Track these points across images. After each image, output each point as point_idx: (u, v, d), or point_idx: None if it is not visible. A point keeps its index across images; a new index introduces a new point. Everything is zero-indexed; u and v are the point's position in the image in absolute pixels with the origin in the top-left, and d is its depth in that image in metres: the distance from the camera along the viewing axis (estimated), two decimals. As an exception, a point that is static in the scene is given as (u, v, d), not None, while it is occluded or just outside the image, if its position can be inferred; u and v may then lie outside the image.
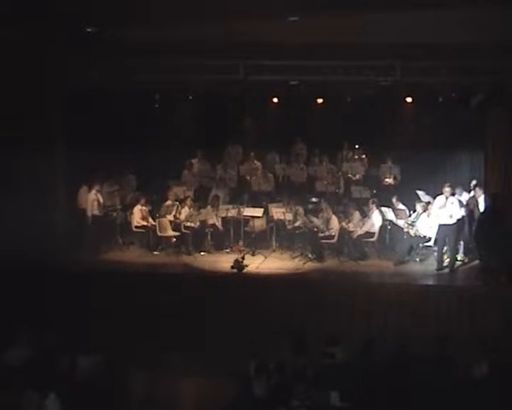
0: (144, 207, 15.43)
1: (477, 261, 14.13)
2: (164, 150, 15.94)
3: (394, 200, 15.15)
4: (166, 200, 15.54)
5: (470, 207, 14.70)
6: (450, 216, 13.84)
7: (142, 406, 10.10)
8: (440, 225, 14.04)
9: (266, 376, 8.77)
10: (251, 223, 15.41)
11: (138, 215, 15.36)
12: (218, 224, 15.45)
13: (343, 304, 12.71)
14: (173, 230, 15.23)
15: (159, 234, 15.24)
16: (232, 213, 15.29)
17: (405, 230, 14.51)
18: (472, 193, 15.02)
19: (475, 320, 12.10)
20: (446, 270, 14.06)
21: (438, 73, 13.75)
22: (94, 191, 15.58)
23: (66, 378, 9.04)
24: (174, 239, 15.27)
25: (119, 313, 12.50)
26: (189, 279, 13.76)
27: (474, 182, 15.12)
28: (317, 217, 15.07)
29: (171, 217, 15.29)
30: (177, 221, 15.25)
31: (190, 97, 15.65)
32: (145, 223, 15.38)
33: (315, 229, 14.83)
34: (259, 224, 15.54)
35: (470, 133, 14.93)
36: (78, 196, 15.60)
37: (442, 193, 14.03)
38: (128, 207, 15.83)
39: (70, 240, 15.32)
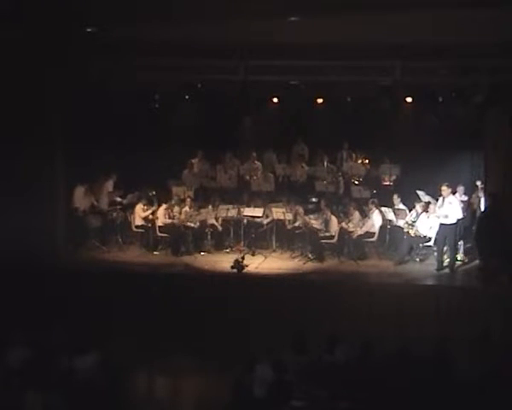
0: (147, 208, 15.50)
1: (477, 261, 14.13)
2: (164, 150, 15.93)
3: (394, 200, 15.15)
4: (166, 199, 15.58)
5: (471, 207, 14.70)
6: (446, 216, 13.85)
7: (142, 406, 10.11)
8: (440, 225, 14.06)
9: (266, 375, 8.78)
10: (251, 223, 15.41)
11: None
12: (218, 224, 15.46)
13: (343, 304, 12.71)
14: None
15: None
16: (232, 213, 15.29)
17: (405, 230, 14.50)
18: (473, 193, 15.04)
19: (475, 320, 12.09)
20: (446, 270, 14.07)
21: (438, 73, 13.75)
22: (90, 191, 15.63)
23: (66, 378, 9.05)
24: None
25: (119, 313, 12.51)
26: (188, 279, 13.77)
27: (479, 182, 15.10)
28: (317, 217, 15.07)
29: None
30: (177, 221, 15.26)
31: (190, 97, 15.63)
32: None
33: (314, 229, 14.84)
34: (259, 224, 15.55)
35: (470, 133, 14.92)
36: (73, 196, 15.58)
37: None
38: (128, 207, 15.84)
39: (70, 240, 15.33)
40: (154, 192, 15.67)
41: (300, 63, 13.98)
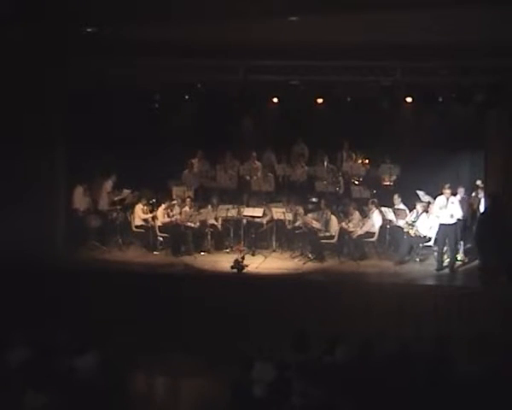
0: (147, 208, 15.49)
1: (477, 261, 14.13)
2: (164, 150, 15.93)
3: (395, 200, 15.15)
4: (166, 199, 15.59)
5: (472, 207, 14.69)
6: (451, 216, 13.88)
7: (142, 406, 10.11)
8: (441, 225, 14.06)
9: (265, 375, 8.78)
10: (251, 223, 15.40)
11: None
12: (218, 224, 15.47)
13: (343, 304, 12.71)
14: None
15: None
16: (232, 213, 15.29)
17: (405, 230, 14.51)
18: (474, 193, 15.04)
19: (475, 320, 12.09)
20: (446, 270, 14.07)
21: (438, 73, 13.74)
22: (90, 191, 15.64)
23: (66, 378, 9.05)
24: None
25: (119, 313, 12.51)
26: (188, 279, 13.77)
27: (478, 182, 15.11)
28: (317, 217, 15.06)
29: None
30: (177, 221, 15.26)
31: (190, 97, 15.63)
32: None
33: (314, 229, 14.84)
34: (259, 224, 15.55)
35: (470, 133, 14.92)
36: (73, 196, 15.57)
37: (442, 193, 14.06)
38: (128, 207, 15.84)
39: (70, 240, 15.33)
40: (154, 200, 15.64)
41: (300, 63, 13.97)
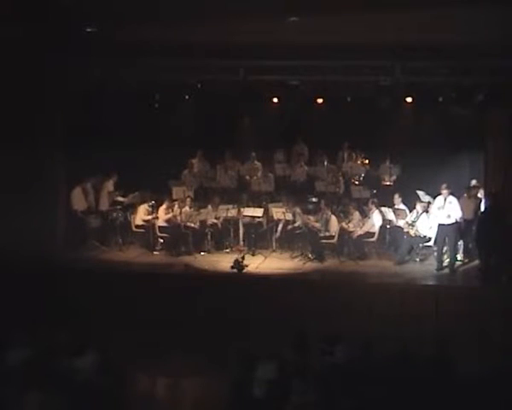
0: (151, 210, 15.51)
1: (477, 261, 14.13)
2: (164, 150, 15.93)
3: (394, 200, 15.15)
4: (166, 199, 15.61)
5: (471, 206, 14.70)
6: (449, 216, 13.87)
7: (142, 406, 10.11)
8: (440, 225, 14.06)
9: (266, 375, 8.77)
10: (251, 223, 15.40)
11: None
12: (218, 224, 15.47)
13: (343, 304, 12.70)
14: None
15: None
16: (232, 213, 15.30)
17: (405, 230, 14.51)
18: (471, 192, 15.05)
19: (475, 320, 12.09)
20: (446, 270, 14.06)
21: (438, 73, 13.76)
22: (90, 191, 15.64)
23: (66, 378, 9.04)
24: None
25: (119, 313, 12.51)
26: (189, 279, 13.77)
27: (474, 181, 15.12)
28: (317, 217, 15.07)
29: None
30: (177, 221, 15.26)
31: (190, 97, 15.64)
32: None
33: (314, 229, 14.84)
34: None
35: (470, 133, 14.92)
36: (73, 196, 15.55)
37: (441, 193, 14.08)
38: (128, 207, 15.84)
39: (70, 240, 15.32)
40: (154, 201, 15.62)
41: (300, 63, 13.98)
